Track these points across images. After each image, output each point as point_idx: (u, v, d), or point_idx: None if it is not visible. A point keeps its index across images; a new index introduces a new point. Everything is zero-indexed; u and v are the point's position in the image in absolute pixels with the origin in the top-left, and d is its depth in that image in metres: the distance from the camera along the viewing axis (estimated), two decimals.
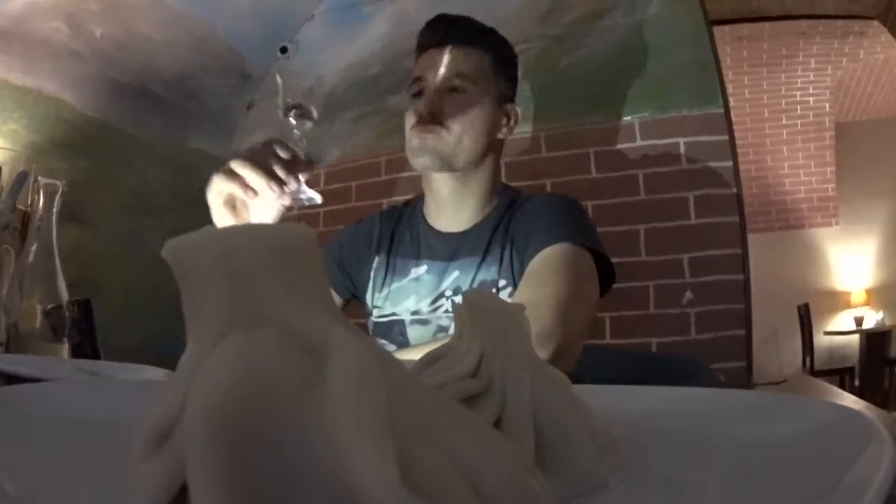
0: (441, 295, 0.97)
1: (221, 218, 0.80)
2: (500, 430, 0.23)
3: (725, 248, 1.44)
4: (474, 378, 0.25)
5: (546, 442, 0.24)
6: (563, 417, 0.25)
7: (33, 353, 0.73)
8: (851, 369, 4.33)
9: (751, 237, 1.54)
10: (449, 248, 0.99)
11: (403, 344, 0.98)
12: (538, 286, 0.83)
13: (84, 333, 1.02)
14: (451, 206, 1.00)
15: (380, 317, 1.01)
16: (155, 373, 0.65)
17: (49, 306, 0.77)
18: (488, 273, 0.95)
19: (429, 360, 0.28)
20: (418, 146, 0.96)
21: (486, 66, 0.99)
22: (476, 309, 0.27)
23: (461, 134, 0.95)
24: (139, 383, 0.48)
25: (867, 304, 4.93)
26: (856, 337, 4.48)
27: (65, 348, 0.79)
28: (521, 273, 0.89)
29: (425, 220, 1.04)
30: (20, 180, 1.02)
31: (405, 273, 1.00)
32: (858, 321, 4.84)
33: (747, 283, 1.43)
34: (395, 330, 0.99)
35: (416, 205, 1.08)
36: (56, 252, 0.79)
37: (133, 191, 1.78)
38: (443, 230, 1.01)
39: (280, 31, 2.01)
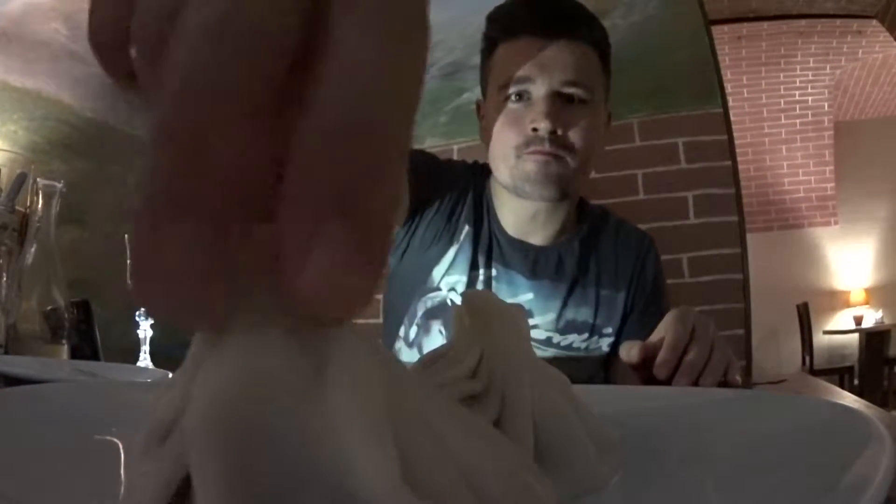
0: None
1: None
2: (499, 430, 0.23)
3: (724, 247, 1.44)
4: (474, 378, 0.25)
5: (546, 442, 0.24)
6: (563, 417, 0.25)
7: (32, 355, 0.73)
8: (851, 368, 4.33)
9: (750, 237, 1.54)
10: (524, 261, 0.85)
11: None
12: None
13: (83, 334, 1.02)
14: (533, 222, 0.85)
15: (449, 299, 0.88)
16: (155, 373, 0.65)
17: (48, 307, 0.77)
18: (578, 313, 0.85)
19: (429, 360, 0.28)
20: (538, 174, 0.78)
21: (598, 66, 0.82)
22: (476, 309, 0.27)
23: (587, 157, 0.79)
24: (139, 384, 0.49)
25: (866, 303, 4.93)
26: (855, 336, 4.48)
27: (64, 349, 0.79)
28: (618, 319, 0.85)
29: (496, 218, 0.87)
30: (19, 181, 1.02)
31: (474, 268, 0.86)
32: (858, 320, 4.85)
33: (746, 283, 1.43)
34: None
35: (485, 186, 0.90)
36: (55, 253, 0.79)
37: (133, 191, 1.78)
38: (516, 237, 0.86)
39: None
